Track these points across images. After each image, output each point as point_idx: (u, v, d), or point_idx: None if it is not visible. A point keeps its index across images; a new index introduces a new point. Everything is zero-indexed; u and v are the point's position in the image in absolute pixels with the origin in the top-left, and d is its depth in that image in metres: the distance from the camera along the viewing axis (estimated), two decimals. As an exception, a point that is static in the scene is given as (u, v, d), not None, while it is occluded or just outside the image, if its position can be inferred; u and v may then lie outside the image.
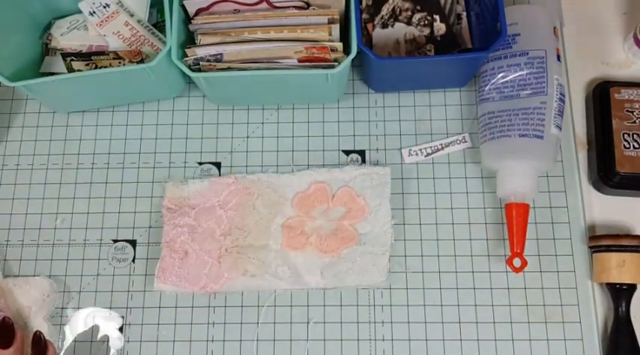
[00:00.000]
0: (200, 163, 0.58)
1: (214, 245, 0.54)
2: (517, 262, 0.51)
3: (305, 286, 0.53)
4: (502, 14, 0.51)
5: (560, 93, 0.53)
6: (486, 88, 0.55)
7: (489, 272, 0.54)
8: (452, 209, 0.55)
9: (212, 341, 0.53)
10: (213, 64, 0.52)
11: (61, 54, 0.57)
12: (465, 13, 0.58)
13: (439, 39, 0.57)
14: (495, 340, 0.52)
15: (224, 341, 0.53)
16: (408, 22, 0.58)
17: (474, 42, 0.57)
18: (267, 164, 0.57)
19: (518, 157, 0.52)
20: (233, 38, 0.52)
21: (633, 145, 0.53)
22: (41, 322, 0.52)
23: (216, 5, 0.54)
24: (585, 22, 0.61)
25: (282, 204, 0.55)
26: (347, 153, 0.57)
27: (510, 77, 0.54)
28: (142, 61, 0.56)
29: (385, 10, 0.58)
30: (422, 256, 0.54)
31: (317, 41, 0.52)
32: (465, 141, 0.57)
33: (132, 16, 0.57)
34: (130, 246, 0.55)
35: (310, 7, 0.54)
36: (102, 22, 0.57)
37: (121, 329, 0.53)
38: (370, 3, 0.58)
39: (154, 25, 0.59)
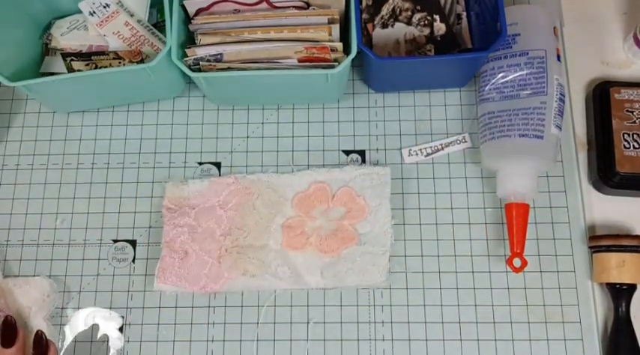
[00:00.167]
0: (200, 163, 0.58)
1: (214, 245, 0.54)
2: (517, 262, 0.51)
3: (305, 286, 0.53)
4: (502, 14, 0.51)
5: (560, 93, 0.53)
6: (486, 88, 0.55)
7: (489, 272, 0.54)
8: (452, 209, 0.55)
9: (212, 341, 0.53)
10: (213, 64, 0.52)
11: (61, 54, 0.57)
12: (464, 13, 0.58)
13: (439, 39, 0.57)
14: (495, 340, 0.52)
15: (224, 341, 0.53)
16: (408, 22, 0.58)
17: (474, 42, 0.57)
18: (267, 164, 0.57)
19: (518, 157, 0.52)
20: (233, 38, 0.52)
21: (633, 145, 0.53)
22: (41, 322, 0.52)
23: (216, 5, 0.54)
24: (585, 22, 0.61)
25: (282, 204, 0.55)
26: (347, 153, 0.57)
27: (510, 77, 0.54)
28: (142, 61, 0.56)
29: (385, 10, 0.58)
30: (422, 256, 0.54)
31: (317, 41, 0.52)
32: (465, 141, 0.57)
33: (132, 16, 0.57)
34: (130, 246, 0.55)
35: (310, 7, 0.54)
36: (102, 22, 0.57)
37: (121, 329, 0.53)
38: (370, 3, 0.58)
39: (154, 25, 0.59)
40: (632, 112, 0.54)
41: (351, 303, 0.53)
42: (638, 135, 0.54)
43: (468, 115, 0.58)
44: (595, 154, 0.55)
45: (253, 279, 0.53)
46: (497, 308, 0.53)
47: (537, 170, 0.52)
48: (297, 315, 0.53)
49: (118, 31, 0.57)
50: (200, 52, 0.52)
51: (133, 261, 0.55)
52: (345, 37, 0.53)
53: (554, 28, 0.56)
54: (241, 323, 0.53)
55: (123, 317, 0.54)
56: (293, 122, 0.59)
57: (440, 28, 0.57)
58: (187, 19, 0.54)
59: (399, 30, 0.58)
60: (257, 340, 0.53)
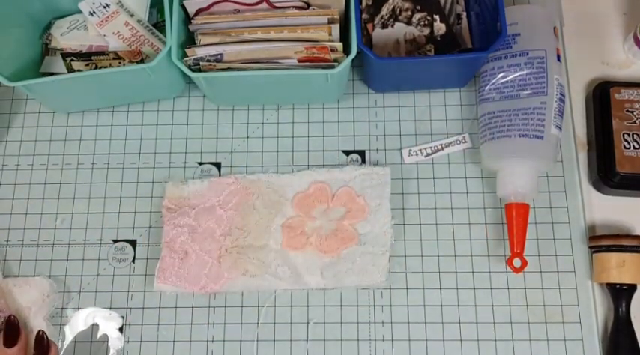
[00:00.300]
0: (200, 163, 0.58)
1: (214, 245, 0.54)
2: (517, 262, 0.51)
3: (305, 286, 0.53)
4: (502, 14, 0.51)
5: (560, 94, 0.53)
6: (486, 88, 0.55)
7: (489, 272, 0.54)
8: (452, 209, 0.55)
9: (212, 341, 0.53)
10: (213, 64, 0.52)
11: (61, 54, 0.57)
12: (464, 13, 0.58)
13: (439, 39, 0.57)
14: (495, 340, 0.52)
15: (224, 341, 0.53)
16: (408, 22, 0.58)
17: (474, 42, 0.57)
18: (267, 164, 0.57)
19: (518, 157, 0.52)
20: (233, 38, 0.52)
21: (633, 145, 0.53)
22: (41, 322, 0.52)
23: (216, 5, 0.54)
24: (585, 22, 0.61)
25: (282, 204, 0.55)
26: (347, 153, 0.57)
27: (510, 77, 0.54)
28: (142, 61, 0.56)
29: (385, 10, 0.58)
30: (422, 256, 0.54)
31: (317, 41, 0.52)
32: (465, 142, 0.57)
33: (132, 16, 0.57)
34: (130, 246, 0.55)
35: (310, 7, 0.54)
36: (102, 22, 0.57)
37: (121, 329, 0.53)
38: (370, 3, 0.58)
39: (154, 25, 0.59)
40: (632, 112, 0.54)
41: (351, 303, 0.53)
42: (638, 135, 0.54)
43: (468, 115, 0.58)
44: (595, 154, 0.55)
45: (253, 279, 0.53)
46: (497, 308, 0.53)
47: (537, 170, 0.52)
48: (297, 315, 0.53)
49: (118, 31, 0.57)
50: (200, 52, 0.52)
51: (133, 261, 0.55)
52: (345, 37, 0.53)
53: (554, 28, 0.56)
54: (241, 323, 0.53)
55: (123, 317, 0.54)
56: (293, 122, 0.59)
57: (440, 28, 0.57)
58: (187, 19, 0.54)
59: (399, 30, 0.58)
60: (257, 340, 0.53)
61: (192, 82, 0.58)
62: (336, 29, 0.53)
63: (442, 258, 0.54)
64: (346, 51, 0.52)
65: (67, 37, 0.58)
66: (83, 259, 0.55)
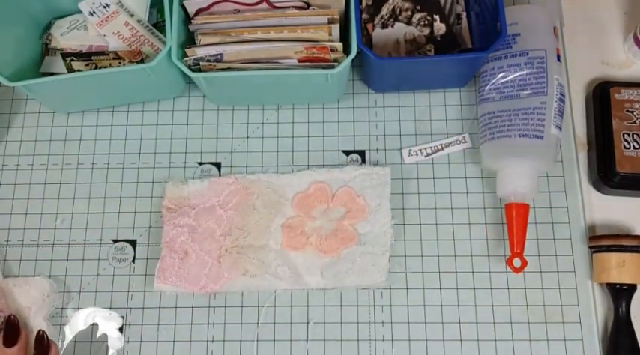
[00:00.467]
0: (200, 163, 0.58)
1: (214, 245, 0.54)
2: (517, 262, 0.51)
3: (305, 286, 0.53)
4: (502, 14, 0.50)
5: (560, 94, 0.53)
6: (486, 88, 0.55)
7: (489, 272, 0.54)
8: (452, 209, 0.55)
9: (212, 341, 0.53)
10: (213, 64, 0.52)
11: (61, 54, 0.57)
12: (464, 13, 0.58)
13: (439, 39, 0.57)
14: (495, 340, 0.52)
15: (224, 341, 0.53)
16: (408, 22, 0.58)
17: (474, 42, 0.57)
18: (267, 164, 0.57)
19: (518, 157, 0.52)
20: (233, 38, 0.52)
21: (633, 145, 0.53)
22: (41, 322, 0.52)
23: (216, 5, 0.54)
24: (585, 22, 0.61)
25: (282, 204, 0.55)
26: (347, 153, 0.57)
27: (510, 77, 0.54)
28: (142, 61, 0.56)
29: (385, 10, 0.58)
30: (422, 256, 0.54)
31: (317, 41, 0.52)
32: (465, 142, 0.57)
33: (132, 16, 0.57)
34: (130, 246, 0.55)
35: (310, 7, 0.54)
36: (102, 22, 0.57)
37: (121, 330, 0.53)
38: (370, 3, 0.58)
39: (154, 25, 0.59)
40: (632, 112, 0.54)
41: (351, 303, 0.53)
42: (638, 135, 0.54)
43: (468, 115, 0.58)
44: (595, 154, 0.55)
45: (253, 279, 0.53)
46: (497, 308, 0.53)
47: (537, 170, 0.52)
48: (297, 315, 0.53)
49: (118, 31, 0.57)
50: (200, 52, 0.52)
51: (133, 261, 0.55)
52: (345, 37, 0.53)
53: (554, 28, 0.55)
54: (241, 323, 0.53)
55: (123, 317, 0.54)
56: (293, 122, 0.59)
57: (440, 28, 0.57)
58: (187, 19, 0.54)
59: (399, 30, 0.58)
60: (257, 340, 0.53)
61: (192, 82, 0.58)
62: (336, 29, 0.53)
63: (442, 257, 0.54)
64: (346, 51, 0.52)
65: (67, 37, 0.58)
66: (83, 259, 0.55)
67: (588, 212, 0.55)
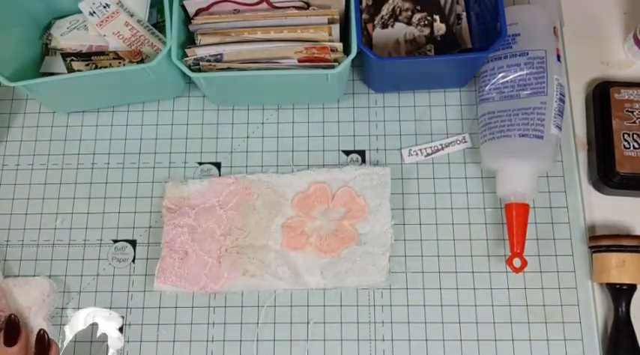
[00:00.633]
0: (200, 163, 0.58)
1: (214, 245, 0.54)
2: (517, 262, 0.51)
3: (305, 286, 0.53)
4: (502, 14, 0.51)
5: (560, 94, 0.53)
6: (486, 88, 0.55)
7: (489, 272, 0.54)
8: (452, 209, 0.55)
9: (212, 341, 0.53)
10: (213, 64, 0.52)
11: (61, 54, 0.57)
12: (464, 13, 0.58)
13: (439, 39, 0.57)
14: (495, 340, 0.52)
15: (224, 341, 0.53)
16: (408, 22, 0.58)
17: (474, 42, 0.57)
18: (267, 164, 0.57)
19: (518, 157, 0.52)
20: (233, 38, 0.52)
21: (633, 145, 0.53)
22: (41, 322, 0.52)
23: (216, 5, 0.54)
24: (585, 22, 0.61)
25: (282, 204, 0.55)
26: (347, 153, 0.57)
27: (510, 77, 0.54)
28: (142, 61, 0.56)
29: (385, 10, 0.58)
30: (422, 256, 0.54)
31: (317, 41, 0.52)
32: (465, 142, 0.57)
33: (132, 16, 0.57)
34: (130, 246, 0.55)
35: (310, 7, 0.54)
36: (102, 22, 0.57)
37: (121, 329, 0.53)
38: (370, 3, 0.58)
39: (154, 25, 0.59)
40: (632, 112, 0.54)
41: (351, 303, 0.53)
42: (638, 135, 0.54)
43: (468, 115, 0.58)
44: (595, 154, 0.55)
45: (253, 279, 0.53)
46: (497, 308, 0.53)
47: (537, 170, 0.52)
48: (297, 315, 0.53)
49: (118, 31, 0.57)
50: (200, 52, 0.52)
51: (133, 261, 0.55)
52: (345, 37, 0.53)
53: (554, 28, 0.55)
54: (241, 323, 0.53)
55: (123, 317, 0.54)
56: (293, 122, 0.59)
57: (440, 28, 0.57)
58: (187, 19, 0.54)
59: (399, 30, 0.58)
60: (257, 340, 0.53)
61: (192, 82, 0.58)
62: (336, 29, 0.53)
63: (442, 258, 0.54)
64: (346, 51, 0.52)
65: (67, 37, 0.58)
66: (83, 259, 0.55)
67: (588, 212, 0.55)
